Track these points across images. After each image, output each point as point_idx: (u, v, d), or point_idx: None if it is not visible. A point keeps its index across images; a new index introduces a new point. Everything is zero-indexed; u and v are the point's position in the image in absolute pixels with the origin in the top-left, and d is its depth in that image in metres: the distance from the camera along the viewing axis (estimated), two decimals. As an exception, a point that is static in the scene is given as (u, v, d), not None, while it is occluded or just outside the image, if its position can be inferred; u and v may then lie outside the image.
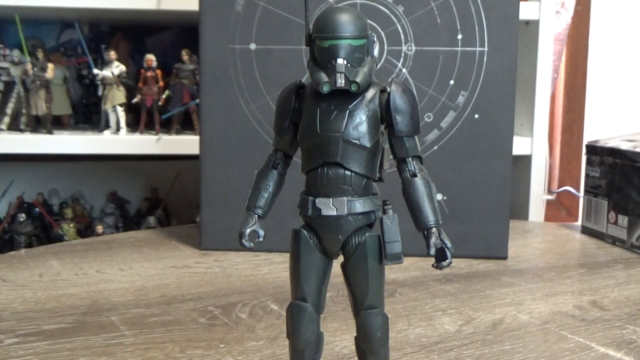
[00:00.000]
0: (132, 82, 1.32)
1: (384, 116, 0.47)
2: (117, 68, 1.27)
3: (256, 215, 0.49)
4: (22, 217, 1.33)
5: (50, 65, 1.26)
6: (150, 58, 1.27)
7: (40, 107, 1.25)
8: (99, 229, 1.36)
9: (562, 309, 0.75)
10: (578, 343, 0.65)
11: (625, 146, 1.04)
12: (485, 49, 0.92)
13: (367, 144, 0.46)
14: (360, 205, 0.47)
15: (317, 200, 0.47)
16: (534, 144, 1.27)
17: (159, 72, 1.28)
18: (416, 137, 0.48)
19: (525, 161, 1.28)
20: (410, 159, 0.48)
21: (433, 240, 0.46)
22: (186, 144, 1.24)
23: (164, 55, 1.42)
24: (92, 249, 0.98)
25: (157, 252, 0.97)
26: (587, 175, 1.12)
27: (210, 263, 0.91)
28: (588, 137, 1.52)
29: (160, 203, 1.49)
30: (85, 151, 1.24)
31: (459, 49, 0.92)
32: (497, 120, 0.93)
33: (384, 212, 0.47)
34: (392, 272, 0.86)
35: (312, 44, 0.47)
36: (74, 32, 1.45)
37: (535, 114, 1.27)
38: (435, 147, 0.93)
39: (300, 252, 0.48)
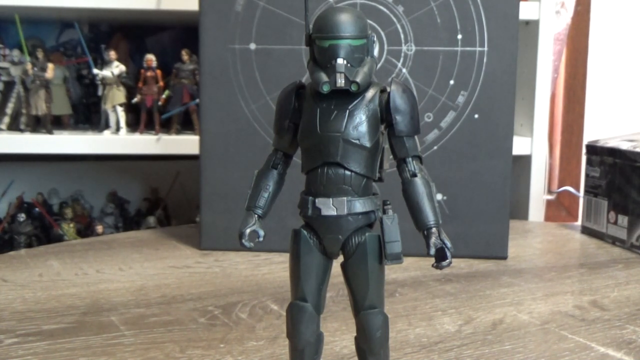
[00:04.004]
0: (132, 82, 1.32)
1: (384, 116, 0.47)
2: (117, 68, 1.27)
3: (256, 215, 0.49)
4: (22, 217, 1.33)
5: (50, 65, 1.26)
6: (150, 58, 1.27)
7: (40, 107, 1.25)
8: (99, 229, 1.36)
9: (562, 309, 0.75)
10: (578, 343, 0.65)
11: (625, 146, 1.04)
12: (485, 49, 0.92)
13: (367, 144, 0.46)
14: (360, 205, 0.47)
15: (317, 200, 0.47)
16: (534, 144, 1.27)
17: (159, 72, 1.28)
18: (416, 137, 0.48)
19: (525, 161, 1.28)
20: (410, 159, 0.48)
21: (433, 240, 0.46)
22: (186, 144, 1.24)
23: (164, 55, 1.42)
24: (92, 249, 0.98)
25: (157, 252, 0.97)
26: (587, 175, 1.12)
27: (210, 263, 0.91)
28: (588, 137, 1.52)
29: (160, 203, 1.49)
30: (85, 151, 1.24)
31: (459, 49, 0.92)
32: (497, 120, 0.93)
33: (384, 212, 0.47)
34: (392, 272, 0.86)
35: (312, 44, 0.47)
36: (74, 32, 1.45)
37: (535, 114, 1.27)
38: (435, 147, 0.93)
39: (300, 252, 0.48)
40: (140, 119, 1.29)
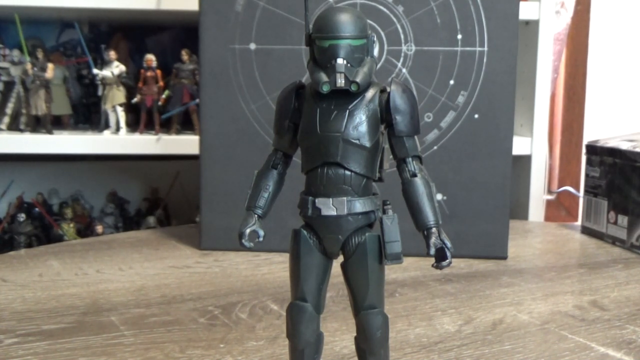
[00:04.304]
0: (132, 82, 1.32)
1: (383, 116, 0.47)
2: (117, 68, 1.27)
3: (256, 215, 0.49)
4: (22, 217, 1.33)
5: (50, 65, 1.26)
6: (150, 58, 1.27)
7: (40, 107, 1.25)
8: (99, 229, 1.36)
9: (562, 309, 0.75)
10: (578, 343, 0.65)
11: (625, 146, 1.04)
12: (485, 49, 0.92)
13: (367, 144, 0.46)
14: (360, 205, 0.47)
15: (316, 200, 0.47)
16: (534, 144, 1.27)
17: (158, 72, 1.28)
18: (416, 137, 0.48)
19: (525, 161, 1.28)
20: (410, 159, 0.48)
21: (433, 240, 0.46)
22: (186, 144, 1.24)
23: (164, 55, 1.42)
24: (92, 249, 0.98)
25: (157, 252, 0.97)
26: (587, 175, 1.12)
27: (210, 263, 0.91)
28: (588, 137, 1.52)
29: (160, 203, 1.49)
30: (85, 151, 1.24)
31: (459, 48, 0.92)
32: (497, 120, 0.93)
33: (384, 212, 0.47)
34: (392, 272, 0.86)
35: (312, 44, 0.47)
36: (74, 32, 1.45)
37: (535, 114, 1.27)
38: (435, 147, 0.93)
39: (300, 252, 0.48)
40: (140, 119, 1.29)
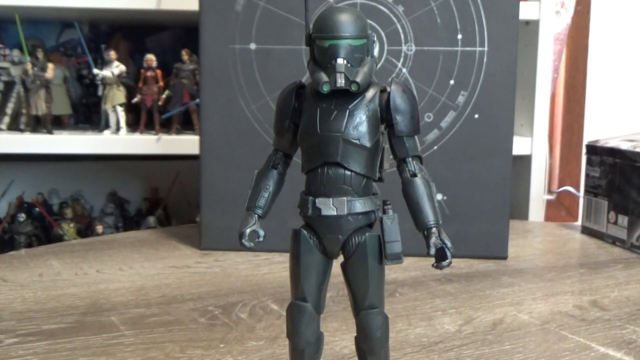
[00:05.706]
0: (132, 82, 1.32)
1: (384, 116, 0.47)
2: (117, 68, 1.27)
3: (256, 215, 0.49)
4: (22, 217, 1.33)
5: (50, 65, 1.26)
6: (150, 58, 1.27)
7: (40, 107, 1.25)
8: (99, 229, 1.36)
9: (562, 309, 0.75)
10: (578, 343, 0.65)
11: (625, 146, 1.04)
12: (485, 49, 0.92)
13: (367, 144, 0.46)
14: (360, 205, 0.47)
15: (317, 200, 0.47)
16: (534, 144, 1.27)
17: (159, 72, 1.28)
18: (416, 137, 0.48)
19: (525, 161, 1.28)
20: (410, 159, 0.48)
21: (433, 240, 0.46)
22: (186, 144, 1.24)
23: (164, 55, 1.42)
24: (92, 249, 0.98)
25: (157, 252, 0.97)
26: (587, 175, 1.12)
27: (210, 263, 0.91)
28: (588, 137, 1.52)
29: (160, 203, 1.49)
30: (85, 151, 1.24)
31: (459, 48, 0.92)
32: (497, 120, 0.93)
33: (384, 212, 0.47)
34: (392, 272, 0.86)
35: (312, 44, 0.47)
36: (74, 32, 1.45)
37: (535, 114, 1.27)
38: (435, 147, 0.93)
39: (300, 252, 0.48)
40: (140, 119, 1.29)
